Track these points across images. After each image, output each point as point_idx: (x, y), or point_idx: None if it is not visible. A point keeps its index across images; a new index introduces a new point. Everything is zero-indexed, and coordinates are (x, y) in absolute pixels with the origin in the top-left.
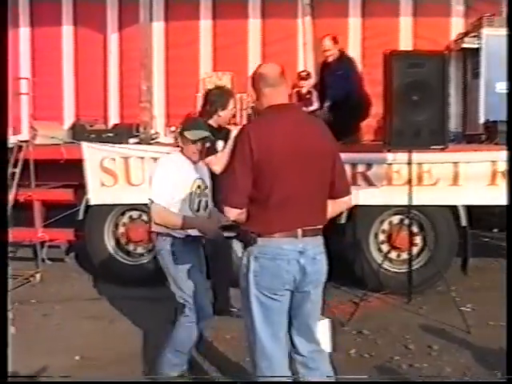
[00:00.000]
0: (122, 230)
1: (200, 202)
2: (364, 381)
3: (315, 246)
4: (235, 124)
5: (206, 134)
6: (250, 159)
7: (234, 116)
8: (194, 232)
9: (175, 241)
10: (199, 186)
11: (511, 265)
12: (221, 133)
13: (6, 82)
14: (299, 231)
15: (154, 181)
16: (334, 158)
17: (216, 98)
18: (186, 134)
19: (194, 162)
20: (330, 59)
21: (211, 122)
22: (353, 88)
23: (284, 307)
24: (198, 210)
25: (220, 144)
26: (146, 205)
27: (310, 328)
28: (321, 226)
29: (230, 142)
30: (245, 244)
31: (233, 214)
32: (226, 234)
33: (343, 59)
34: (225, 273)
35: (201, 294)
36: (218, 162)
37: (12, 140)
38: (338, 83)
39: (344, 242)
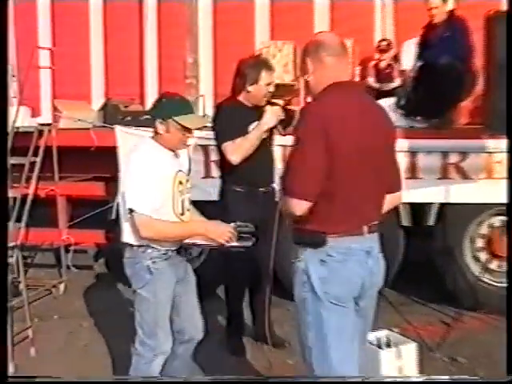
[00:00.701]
0: None
1: (183, 202)
2: (364, 381)
3: (378, 245)
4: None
5: (206, 120)
6: (323, 143)
7: (274, 95)
8: (191, 240)
9: (156, 254)
10: (181, 182)
11: (511, 262)
12: (253, 113)
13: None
14: (365, 228)
15: (132, 184)
16: (394, 149)
17: (247, 69)
18: (181, 120)
19: (173, 151)
20: (436, 20)
21: (241, 98)
22: (461, 57)
23: (354, 318)
24: (182, 214)
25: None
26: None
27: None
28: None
29: (258, 125)
30: (304, 245)
31: (301, 208)
32: (238, 244)
33: (453, 20)
34: (258, 287)
35: (188, 316)
36: (238, 150)
37: (30, 123)
38: (441, 50)
39: (432, 249)
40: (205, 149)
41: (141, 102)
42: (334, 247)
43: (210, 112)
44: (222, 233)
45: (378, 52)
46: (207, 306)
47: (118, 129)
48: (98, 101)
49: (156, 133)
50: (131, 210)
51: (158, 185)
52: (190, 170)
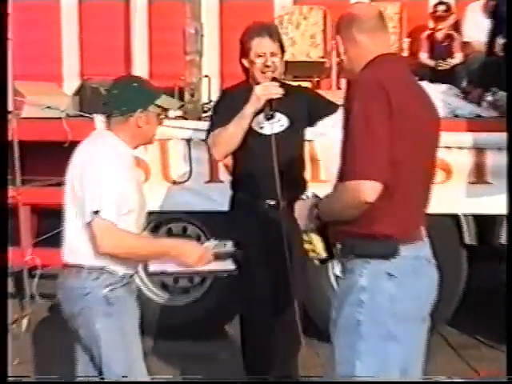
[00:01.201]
0: None
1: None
2: (365, 381)
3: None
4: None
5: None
6: (388, 119)
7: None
8: (159, 266)
9: (112, 279)
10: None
11: (511, 264)
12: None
13: None
14: (423, 231)
15: (95, 182)
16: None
17: (240, 39)
18: (163, 102)
19: (135, 148)
20: None
21: (251, 80)
22: None
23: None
24: (144, 229)
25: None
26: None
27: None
28: None
29: (247, 106)
30: (368, 256)
31: (375, 191)
32: (218, 269)
33: None
34: (282, 321)
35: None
36: (217, 143)
37: None
38: None
39: (504, 275)
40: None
41: None
42: (405, 256)
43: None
44: (201, 256)
45: (433, 19)
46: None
47: (99, 119)
48: (71, 82)
49: (121, 128)
50: (95, 213)
51: (127, 186)
52: None
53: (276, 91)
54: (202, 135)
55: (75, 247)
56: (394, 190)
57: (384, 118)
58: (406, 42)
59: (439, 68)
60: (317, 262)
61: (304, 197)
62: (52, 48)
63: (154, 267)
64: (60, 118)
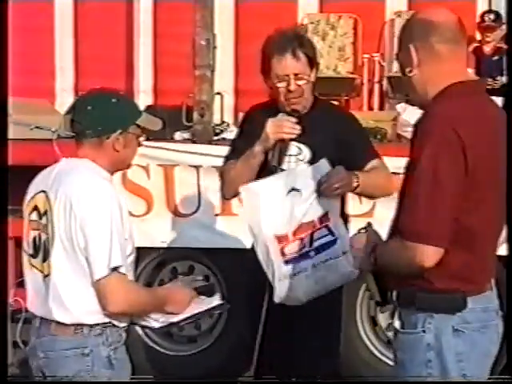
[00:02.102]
0: None
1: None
2: (365, 381)
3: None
4: None
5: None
6: (463, 174)
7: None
8: (163, 318)
9: (115, 336)
10: None
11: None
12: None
13: None
14: (492, 280)
15: (105, 232)
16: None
17: (261, 52)
18: (145, 122)
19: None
20: None
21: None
22: None
23: None
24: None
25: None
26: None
27: None
28: None
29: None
30: (432, 311)
31: (435, 257)
32: (207, 308)
33: None
34: None
35: None
36: (223, 182)
37: None
38: None
39: None
40: None
41: None
42: (474, 310)
43: (230, 117)
44: (188, 299)
45: (480, 30)
46: None
47: None
48: (65, 99)
49: (95, 153)
50: (113, 269)
51: (127, 226)
52: None
53: (289, 130)
54: (213, 161)
55: (72, 305)
56: (468, 241)
57: (457, 174)
58: None
59: (488, 87)
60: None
61: (363, 230)
62: (43, 59)
63: (157, 322)
64: (51, 139)
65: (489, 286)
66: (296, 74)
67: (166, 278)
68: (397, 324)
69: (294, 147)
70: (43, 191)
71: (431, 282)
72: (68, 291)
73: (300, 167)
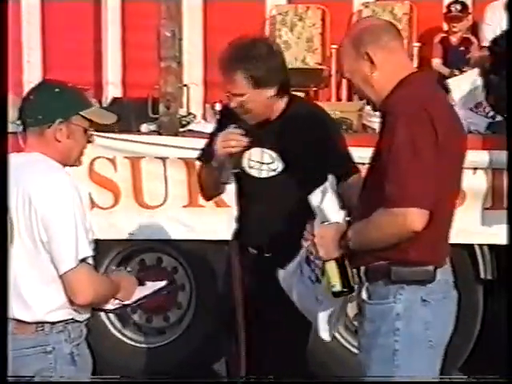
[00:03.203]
0: None
1: None
2: (365, 381)
3: None
4: None
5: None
6: (435, 145)
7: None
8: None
9: (77, 331)
10: None
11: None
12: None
13: None
14: (448, 253)
15: (69, 223)
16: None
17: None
18: (91, 114)
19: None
20: None
21: None
22: None
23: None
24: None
25: None
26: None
27: None
28: None
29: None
30: (404, 282)
31: (423, 220)
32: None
33: None
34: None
35: None
36: (201, 185)
37: None
38: None
39: None
40: None
41: (95, 93)
42: (439, 282)
43: (199, 109)
44: (135, 285)
45: (447, 21)
46: None
47: None
48: None
49: (37, 142)
50: (82, 260)
51: (87, 215)
52: None
53: (236, 143)
54: (179, 153)
55: (34, 303)
56: (433, 216)
57: (431, 144)
58: (417, 46)
59: (455, 77)
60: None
61: (326, 222)
62: (10, 52)
63: (111, 305)
64: (14, 132)
65: (446, 260)
66: (234, 94)
67: (134, 271)
68: (364, 295)
69: (266, 155)
70: None
71: (407, 253)
72: (29, 289)
73: None
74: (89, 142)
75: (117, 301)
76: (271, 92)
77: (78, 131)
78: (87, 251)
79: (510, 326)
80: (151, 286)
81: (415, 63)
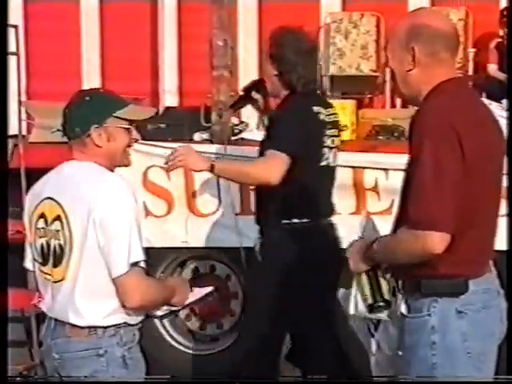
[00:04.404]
0: None
1: None
2: (365, 381)
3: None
4: None
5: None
6: (460, 163)
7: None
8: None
9: (129, 335)
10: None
11: (511, 265)
12: None
13: None
14: (491, 262)
15: (121, 228)
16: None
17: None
18: (125, 114)
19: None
20: None
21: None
22: None
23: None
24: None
25: None
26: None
27: None
28: None
29: None
30: (436, 295)
31: (444, 243)
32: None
33: None
34: None
35: None
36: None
37: None
38: None
39: None
40: None
41: (153, 102)
42: (476, 292)
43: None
44: (188, 290)
45: (501, 26)
46: None
47: None
48: None
49: (82, 153)
50: (134, 264)
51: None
52: None
53: (180, 159)
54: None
55: (87, 310)
56: (462, 231)
57: (456, 161)
58: (472, 52)
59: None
60: (364, 308)
61: (357, 238)
62: (67, 62)
63: (160, 311)
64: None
65: (488, 268)
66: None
67: (188, 278)
68: (403, 309)
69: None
70: (50, 198)
71: (435, 268)
72: (83, 297)
73: None
74: (133, 140)
75: (165, 307)
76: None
77: (117, 132)
78: (139, 255)
79: (510, 326)
80: (198, 293)
81: (471, 68)
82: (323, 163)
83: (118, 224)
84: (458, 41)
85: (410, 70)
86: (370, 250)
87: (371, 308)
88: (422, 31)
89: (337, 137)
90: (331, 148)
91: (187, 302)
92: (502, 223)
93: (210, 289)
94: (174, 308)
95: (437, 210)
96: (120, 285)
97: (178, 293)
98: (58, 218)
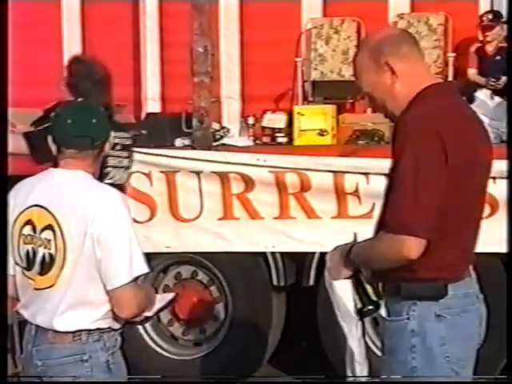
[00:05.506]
0: None
1: None
2: (364, 381)
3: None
4: None
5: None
6: (442, 169)
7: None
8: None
9: (112, 340)
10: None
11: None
12: None
13: None
14: (471, 267)
15: (120, 241)
16: (489, 171)
17: None
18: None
19: None
20: None
21: None
22: None
23: None
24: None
25: None
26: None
27: None
28: None
29: None
30: (416, 299)
31: (419, 248)
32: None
33: None
34: None
35: None
36: None
37: None
38: None
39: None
40: None
41: (135, 109)
42: (455, 296)
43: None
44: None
45: (480, 30)
46: None
47: None
48: None
49: (84, 160)
50: (132, 279)
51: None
52: None
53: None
54: (214, 166)
55: (75, 317)
56: (442, 235)
57: (438, 166)
58: (452, 57)
59: (490, 87)
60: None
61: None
62: (50, 69)
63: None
64: None
65: (468, 272)
66: None
67: (171, 283)
68: (383, 312)
69: None
70: (39, 206)
71: (415, 272)
72: (73, 305)
73: None
74: None
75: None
76: None
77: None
78: (143, 268)
79: (509, 326)
80: (162, 299)
81: (451, 73)
82: None
83: (116, 238)
84: (415, 38)
85: (393, 84)
86: (349, 255)
87: (361, 312)
88: (382, 45)
89: None
90: None
91: (157, 307)
92: (502, 223)
93: (172, 295)
94: (147, 314)
95: (414, 215)
96: (117, 296)
97: (153, 299)
98: (48, 227)
